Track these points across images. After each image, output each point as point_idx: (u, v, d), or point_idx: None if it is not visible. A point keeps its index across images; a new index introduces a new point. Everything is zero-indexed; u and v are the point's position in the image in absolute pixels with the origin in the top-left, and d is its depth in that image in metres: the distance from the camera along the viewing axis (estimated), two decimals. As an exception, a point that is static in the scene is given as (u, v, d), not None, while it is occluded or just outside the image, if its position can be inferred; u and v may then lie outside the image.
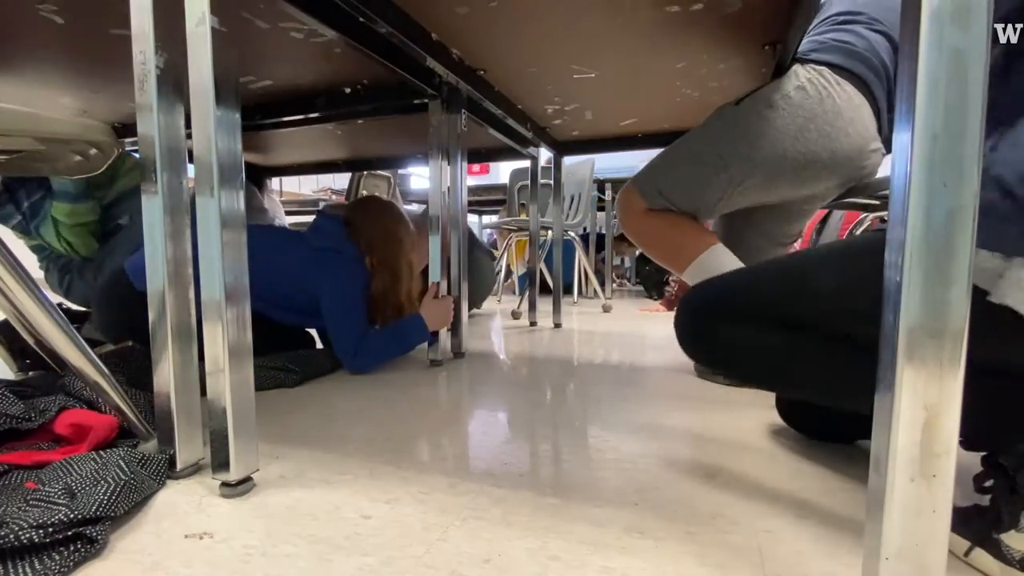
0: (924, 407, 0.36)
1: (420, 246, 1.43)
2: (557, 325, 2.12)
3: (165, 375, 0.64)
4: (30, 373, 1.04)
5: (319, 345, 1.45)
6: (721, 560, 0.50)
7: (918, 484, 0.36)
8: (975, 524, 0.48)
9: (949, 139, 0.34)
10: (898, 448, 0.36)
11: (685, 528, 0.55)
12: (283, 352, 1.24)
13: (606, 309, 2.75)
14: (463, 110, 1.36)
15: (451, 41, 1.10)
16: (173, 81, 0.63)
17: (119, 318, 1.20)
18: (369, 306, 1.31)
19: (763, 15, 0.96)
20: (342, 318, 1.24)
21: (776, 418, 0.87)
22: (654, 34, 1.04)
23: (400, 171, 3.09)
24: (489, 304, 2.84)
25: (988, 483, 0.49)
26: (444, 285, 1.36)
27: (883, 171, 1.04)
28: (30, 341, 0.78)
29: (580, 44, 1.10)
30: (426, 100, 1.30)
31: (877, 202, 1.40)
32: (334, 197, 4.39)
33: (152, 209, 0.63)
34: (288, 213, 3.11)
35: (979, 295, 0.46)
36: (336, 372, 1.27)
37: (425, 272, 1.40)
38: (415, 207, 3.39)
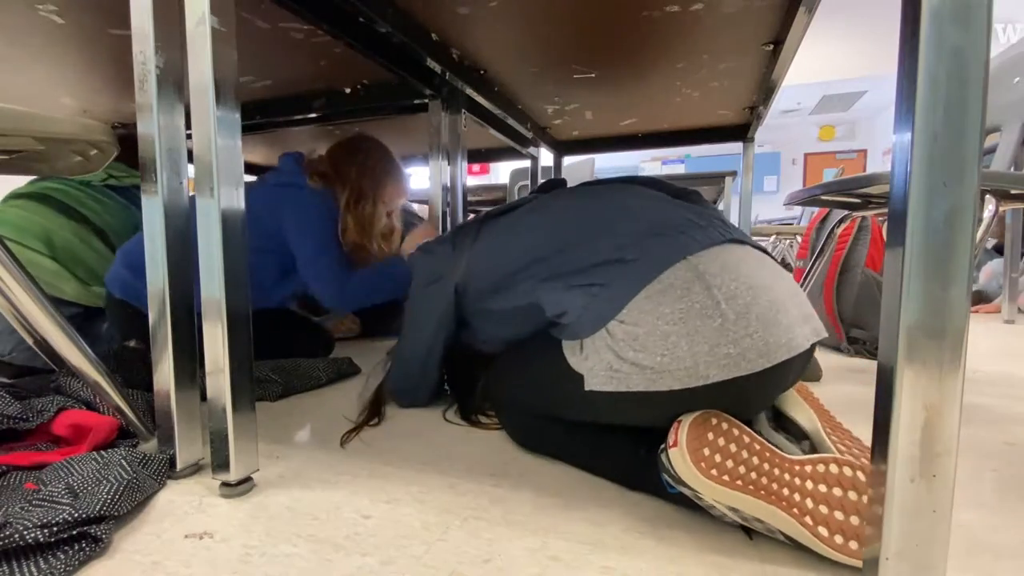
0: (924, 407, 0.36)
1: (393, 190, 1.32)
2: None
3: (165, 375, 0.64)
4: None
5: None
6: (721, 560, 0.50)
7: (918, 484, 0.36)
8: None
9: (949, 139, 0.34)
10: (898, 448, 0.36)
11: (685, 528, 0.55)
12: (268, 360, 1.09)
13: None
14: (463, 110, 1.36)
15: (451, 41, 1.10)
16: (173, 81, 0.63)
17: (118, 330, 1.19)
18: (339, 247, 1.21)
19: (763, 15, 0.96)
20: (312, 249, 1.13)
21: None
22: (654, 34, 1.04)
23: (400, 171, 3.09)
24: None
25: None
26: None
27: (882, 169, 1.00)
28: (30, 341, 0.78)
29: (580, 44, 1.10)
30: (426, 100, 1.30)
31: (858, 200, 1.38)
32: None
33: (152, 209, 0.63)
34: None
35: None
36: (332, 383, 1.13)
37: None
38: (416, 207, 3.39)
